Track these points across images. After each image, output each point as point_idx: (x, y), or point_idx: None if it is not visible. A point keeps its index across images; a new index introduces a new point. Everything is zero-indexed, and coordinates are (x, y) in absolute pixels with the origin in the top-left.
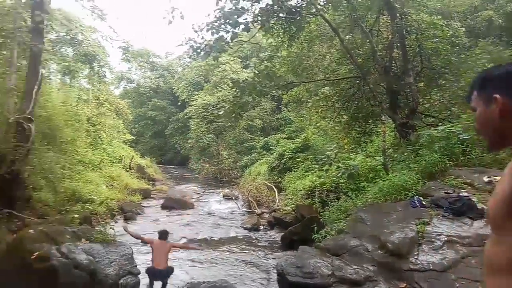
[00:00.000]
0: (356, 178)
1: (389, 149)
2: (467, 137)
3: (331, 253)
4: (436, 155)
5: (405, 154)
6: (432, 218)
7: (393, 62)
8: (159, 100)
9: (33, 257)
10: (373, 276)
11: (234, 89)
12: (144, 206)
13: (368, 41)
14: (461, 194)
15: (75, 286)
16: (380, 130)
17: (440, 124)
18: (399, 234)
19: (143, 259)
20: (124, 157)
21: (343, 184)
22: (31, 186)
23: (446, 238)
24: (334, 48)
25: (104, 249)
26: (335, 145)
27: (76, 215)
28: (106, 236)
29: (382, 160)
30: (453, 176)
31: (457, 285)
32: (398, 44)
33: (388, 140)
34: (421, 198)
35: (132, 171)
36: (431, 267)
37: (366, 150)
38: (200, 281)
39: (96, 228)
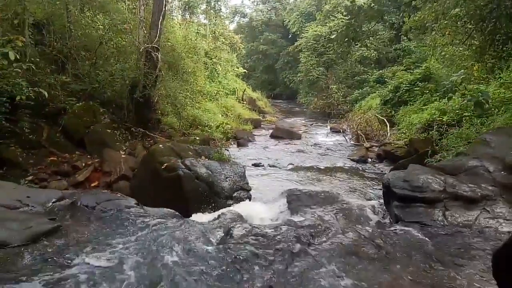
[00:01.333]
0: (485, 110)
1: None
2: None
3: (445, 173)
4: None
5: None
6: None
7: None
8: (270, 34)
9: (163, 167)
10: (492, 196)
11: (348, 17)
12: (255, 135)
13: None
14: None
15: (196, 193)
16: None
17: None
18: None
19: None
20: (237, 90)
21: (467, 118)
22: (159, 111)
23: None
24: None
25: (220, 166)
26: (462, 70)
27: (197, 137)
28: (222, 155)
29: None
30: None
31: None
32: None
33: None
34: None
35: (244, 103)
36: None
37: (500, 78)
38: (301, 189)
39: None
